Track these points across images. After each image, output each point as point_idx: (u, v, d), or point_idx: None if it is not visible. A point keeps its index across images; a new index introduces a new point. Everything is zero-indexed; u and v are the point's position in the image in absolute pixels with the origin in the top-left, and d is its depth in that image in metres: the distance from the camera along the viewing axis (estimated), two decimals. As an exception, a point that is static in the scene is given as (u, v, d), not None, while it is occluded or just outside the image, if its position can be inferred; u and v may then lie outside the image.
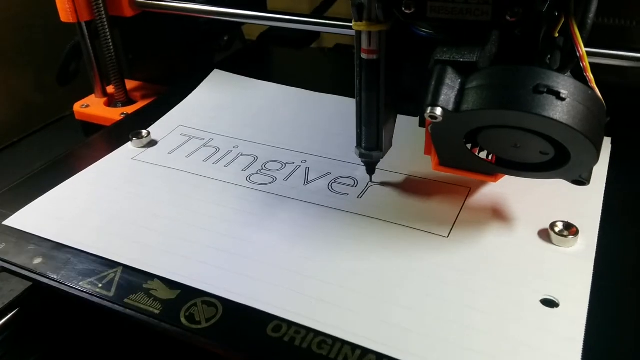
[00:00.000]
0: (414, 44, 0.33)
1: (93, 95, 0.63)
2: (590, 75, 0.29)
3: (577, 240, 0.33)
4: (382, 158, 0.37)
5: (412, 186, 0.39)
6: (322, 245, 0.34)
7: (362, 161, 0.38)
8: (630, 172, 0.27)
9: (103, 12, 0.56)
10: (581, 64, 0.29)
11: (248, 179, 0.42)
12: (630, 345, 0.28)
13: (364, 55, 0.33)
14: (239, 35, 0.73)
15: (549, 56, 0.32)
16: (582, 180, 0.31)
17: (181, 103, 0.53)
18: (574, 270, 0.32)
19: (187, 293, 0.31)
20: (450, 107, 0.28)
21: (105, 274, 0.33)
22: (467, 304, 0.30)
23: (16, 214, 0.38)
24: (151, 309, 0.30)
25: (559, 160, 0.30)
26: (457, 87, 0.29)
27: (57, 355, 0.38)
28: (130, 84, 0.64)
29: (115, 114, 0.59)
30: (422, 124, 0.35)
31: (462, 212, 0.37)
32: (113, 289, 0.32)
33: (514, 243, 0.34)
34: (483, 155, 0.32)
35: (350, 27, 0.49)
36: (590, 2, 0.29)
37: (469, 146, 0.31)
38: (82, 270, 0.33)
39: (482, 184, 0.39)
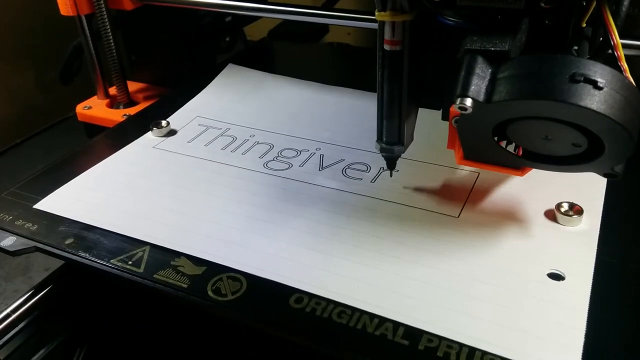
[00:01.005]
0: (438, 34, 0.32)
1: (95, 97, 0.63)
2: (624, 65, 0.28)
3: (581, 220, 0.35)
4: (403, 152, 0.36)
5: (423, 171, 0.41)
6: (337, 225, 0.36)
7: (382, 155, 0.37)
8: (634, 153, 0.28)
9: (103, 6, 0.56)
10: (615, 54, 0.28)
11: (265, 165, 0.43)
12: (631, 315, 0.30)
13: (386, 47, 0.32)
14: (240, 36, 0.74)
15: (576, 47, 0.31)
16: (615, 173, 0.29)
17: (197, 95, 0.55)
18: (579, 247, 0.33)
19: (213, 269, 0.33)
20: (481, 97, 0.27)
21: (134, 252, 0.35)
22: (477, 278, 0.31)
23: (46, 197, 0.40)
24: (180, 283, 0.32)
25: (591, 152, 0.29)
26: (487, 77, 0.27)
27: (87, 333, 0.40)
28: (132, 86, 0.64)
29: (117, 116, 0.60)
30: (445, 117, 0.34)
31: (472, 194, 0.38)
32: (142, 266, 0.33)
33: (521, 222, 0.35)
34: (510, 148, 0.32)
35: (358, 19, 0.51)
36: None
37: (496, 139, 0.31)
38: (112, 249, 0.35)
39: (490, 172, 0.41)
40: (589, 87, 0.25)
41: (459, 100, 0.27)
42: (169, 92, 0.62)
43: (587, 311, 0.29)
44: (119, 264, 0.34)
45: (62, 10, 0.56)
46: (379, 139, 0.36)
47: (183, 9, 0.59)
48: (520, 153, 0.32)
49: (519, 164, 0.33)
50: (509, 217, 0.36)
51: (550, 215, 0.36)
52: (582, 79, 0.25)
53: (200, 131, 0.49)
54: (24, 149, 0.77)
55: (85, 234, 0.36)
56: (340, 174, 0.42)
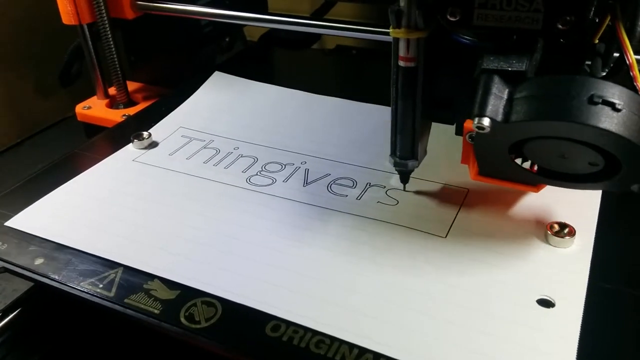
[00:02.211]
0: (452, 51, 0.32)
1: (95, 97, 0.63)
2: None
3: (573, 241, 0.33)
4: (417, 167, 0.36)
5: (411, 187, 0.40)
6: (320, 246, 0.35)
7: (396, 170, 0.37)
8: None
9: (104, 15, 0.56)
10: (631, 73, 0.28)
11: (248, 180, 0.42)
12: (625, 345, 0.28)
13: (401, 63, 0.32)
14: (240, 36, 0.73)
15: (588, 63, 0.31)
16: (631, 191, 0.29)
17: (182, 105, 0.54)
18: (570, 270, 0.32)
19: (187, 293, 0.32)
20: (499, 117, 0.27)
21: (106, 274, 0.33)
22: (463, 305, 0.30)
23: (18, 215, 0.38)
24: (151, 309, 0.31)
25: (608, 171, 0.29)
26: (505, 96, 0.28)
27: (59, 355, 0.38)
28: (132, 86, 0.64)
29: (117, 116, 0.60)
30: (458, 132, 0.34)
31: (460, 213, 0.37)
32: (114, 289, 0.32)
33: (511, 244, 0.34)
34: (525, 165, 0.32)
35: (350, 30, 0.50)
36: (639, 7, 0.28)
37: (512, 156, 0.31)
38: (83, 271, 0.33)
39: (481, 186, 0.39)
40: (608, 109, 0.25)
41: (476, 120, 0.27)
42: (164, 94, 0.60)
43: (577, 340, 0.28)
44: (89, 287, 0.32)
45: (64, 20, 0.57)
46: (393, 153, 0.36)
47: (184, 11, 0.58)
48: (535, 170, 0.32)
49: (534, 181, 0.33)
50: (498, 237, 0.35)
51: (542, 236, 0.34)
52: (600, 100, 0.25)
53: (183, 143, 0.47)
54: (23, 149, 0.76)
55: (56, 255, 0.35)
56: (326, 190, 0.40)
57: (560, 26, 0.27)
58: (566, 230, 0.34)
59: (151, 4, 0.57)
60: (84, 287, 0.32)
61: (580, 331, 0.28)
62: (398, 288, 0.31)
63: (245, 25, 0.71)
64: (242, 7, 0.55)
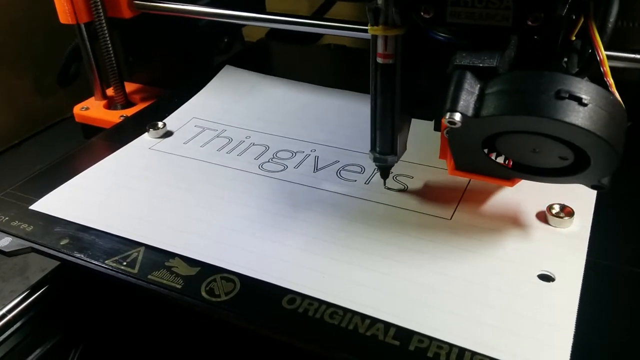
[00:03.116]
0: (430, 48, 0.33)
1: (93, 98, 0.63)
2: (610, 80, 0.29)
3: (572, 221, 0.35)
4: (396, 162, 0.37)
5: (416, 173, 0.41)
6: (330, 227, 0.36)
7: (375, 165, 0.38)
8: (625, 157, 0.28)
9: (102, 14, 0.57)
10: (601, 69, 0.29)
11: (260, 167, 0.44)
12: (620, 315, 0.30)
13: (379, 60, 0.33)
14: (238, 37, 0.74)
15: (565, 59, 0.31)
16: (601, 185, 0.30)
17: (194, 97, 0.55)
18: (569, 248, 0.34)
19: (207, 270, 0.33)
20: (470, 112, 0.28)
21: (129, 253, 0.35)
22: (468, 279, 0.32)
23: (42, 199, 0.40)
24: (174, 284, 0.32)
25: (578, 165, 0.29)
26: (476, 92, 0.28)
27: (82, 333, 0.40)
28: (130, 87, 0.65)
29: (114, 117, 0.60)
30: (437, 127, 0.34)
31: (464, 196, 0.39)
32: (137, 267, 0.34)
33: (513, 224, 0.36)
34: (500, 159, 0.32)
35: (350, 29, 0.52)
36: (611, 5, 0.29)
37: (485, 151, 0.31)
38: (107, 250, 0.35)
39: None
40: (574, 103, 0.26)
41: (448, 114, 0.28)
42: (166, 93, 0.62)
43: (576, 312, 0.29)
44: (114, 264, 0.34)
45: (61, 19, 0.57)
46: (373, 149, 0.37)
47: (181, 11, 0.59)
48: (510, 164, 0.33)
49: (508, 175, 0.33)
50: (501, 218, 0.36)
51: (542, 217, 0.36)
52: (567, 95, 0.26)
53: (197, 132, 0.49)
54: (22, 150, 0.78)
55: (80, 235, 0.37)
56: (335, 176, 0.42)
57: (530, 23, 0.28)
58: (565, 211, 0.35)
59: (148, 3, 0.57)
60: (109, 264, 0.34)
61: (579, 303, 0.30)
62: (405, 265, 0.33)
63: (244, 25, 0.71)
64: (240, 7, 0.55)
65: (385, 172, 0.39)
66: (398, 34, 0.31)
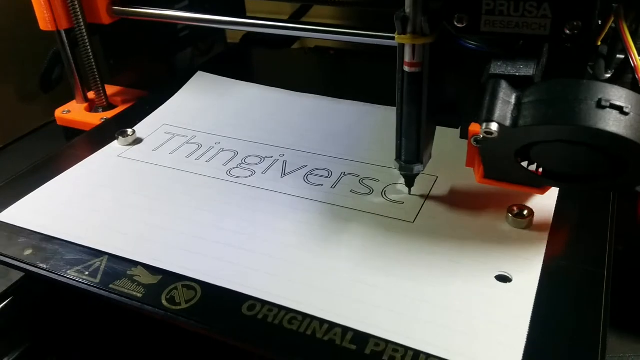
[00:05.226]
0: (457, 55, 0.33)
1: (74, 101, 0.64)
2: None
3: (532, 222, 0.36)
4: (422, 171, 0.37)
5: (383, 177, 0.42)
6: (294, 232, 0.37)
7: (401, 174, 0.38)
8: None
9: (81, 20, 0.57)
10: (637, 76, 0.29)
11: (228, 173, 0.44)
12: (575, 315, 0.30)
13: (406, 68, 0.32)
14: (221, 38, 0.74)
15: (590, 64, 0.31)
16: (638, 190, 0.30)
17: (165, 103, 0.56)
18: (528, 249, 0.34)
19: (168, 278, 0.33)
20: (507, 122, 0.28)
21: (92, 262, 0.35)
22: (426, 282, 0.32)
23: (7, 209, 0.40)
24: (134, 293, 0.32)
25: (614, 172, 0.29)
26: (512, 101, 0.28)
27: (48, 343, 0.40)
28: (111, 89, 0.65)
29: (95, 119, 0.60)
30: (463, 135, 0.34)
31: (428, 199, 0.39)
32: (99, 276, 0.34)
33: (474, 226, 0.36)
34: (532, 168, 0.32)
35: (328, 32, 0.52)
36: None
37: (518, 159, 0.31)
38: (70, 260, 0.35)
39: (449, 173, 0.41)
40: (615, 112, 0.26)
41: (484, 125, 0.27)
42: (139, 100, 0.62)
43: (531, 312, 0.30)
44: (76, 274, 0.34)
45: (41, 26, 0.58)
46: (398, 157, 0.37)
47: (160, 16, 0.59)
48: (540, 172, 0.32)
49: (540, 183, 0.33)
50: (463, 221, 0.37)
51: (502, 218, 0.36)
52: (608, 104, 0.26)
53: (166, 139, 0.49)
54: (6, 154, 0.77)
55: (44, 245, 0.37)
56: (302, 181, 0.42)
57: (567, 31, 0.28)
58: (525, 212, 0.36)
59: (127, 9, 0.58)
60: (71, 274, 0.34)
61: (535, 303, 0.30)
62: (366, 269, 0.33)
63: (222, 29, 0.72)
64: (219, 11, 0.56)
65: (410, 181, 0.38)
66: (427, 42, 0.31)
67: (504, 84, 0.28)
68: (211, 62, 0.67)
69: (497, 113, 0.27)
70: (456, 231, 0.36)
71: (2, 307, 0.37)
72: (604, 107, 0.26)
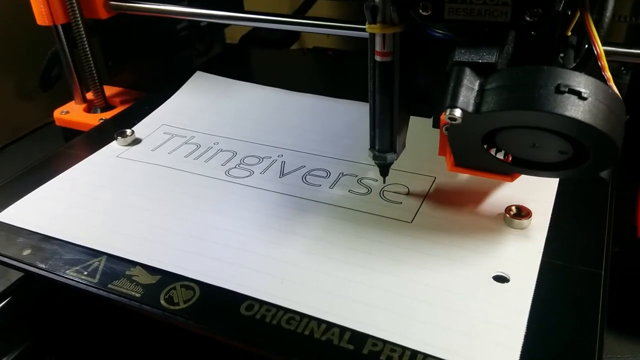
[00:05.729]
0: (427, 45, 0.33)
1: (73, 102, 0.64)
2: (608, 74, 0.29)
3: (530, 223, 0.36)
4: (395, 160, 0.37)
5: (379, 176, 0.42)
6: (291, 232, 0.37)
7: (375, 163, 0.38)
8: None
9: (78, 15, 0.57)
10: (599, 63, 0.29)
11: (227, 173, 0.44)
12: (572, 316, 0.30)
13: (377, 58, 0.33)
14: (219, 39, 0.74)
15: (561, 55, 0.32)
16: (602, 177, 0.30)
17: (164, 103, 0.56)
18: (525, 249, 0.34)
19: (167, 278, 0.33)
20: (470, 108, 0.28)
21: (91, 262, 0.35)
22: (425, 282, 0.32)
23: (6, 209, 0.40)
24: (133, 293, 0.32)
25: (578, 158, 0.30)
26: (476, 88, 0.29)
27: (48, 342, 0.40)
28: (109, 90, 0.65)
29: (94, 120, 0.60)
30: (435, 124, 0.34)
31: (426, 199, 0.39)
32: (98, 276, 0.34)
33: (472, 226, 0.36)
34: (499, 155, 0.32)
35: (330, 27, 0.52)
36: (607, 0, 0.29)
37: (485, 146, 0.31)
38: (69, 260, 0.35)
39: (447, 174, 0.41)
40: (574, 97, 0.26)
41: (448, 111, 0.28)
42: (138, 100, 0.62)
43: (528, 312, 0.30)
44: (75, 274, 0.34)
45: (38, 21, 0.57)
46: (372, 146, 0.37)
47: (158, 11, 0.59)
48: (510, 160, 0.33)
49: (508, 170, 0.34)
50: (461, 221, 0.37)
51: (500, 218, 0.37)
52: (566, 89, 0.26)
53: (165, 139, 0.49)
54: (5, 155, 0.77)
55: (43, 245, 0.37)
56: (300, 181, 0.42)
57: (528, 18, 0.28)
58: (523, 213, 0.36)
59: (124, 3, 0.57)
60: (70, 274, 0.34)
61: (532, 304, 0.30)
62: (364, 269, 0.33)
63: (224, 27, 0.72)
64: (218, 7, 0.55)
65: (384, 169, 0.39)
66: (396, 31, 0.31)
67: (467, 71, 0.29)
68: (210, 63, 0.68)
69: (461, 99, 0.28)
70: (454, 231, 0.36)
71: (1, 307, 0.37)
72: (562, 92, 0.26)
